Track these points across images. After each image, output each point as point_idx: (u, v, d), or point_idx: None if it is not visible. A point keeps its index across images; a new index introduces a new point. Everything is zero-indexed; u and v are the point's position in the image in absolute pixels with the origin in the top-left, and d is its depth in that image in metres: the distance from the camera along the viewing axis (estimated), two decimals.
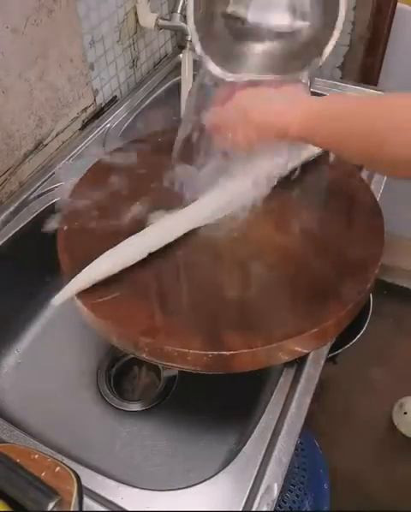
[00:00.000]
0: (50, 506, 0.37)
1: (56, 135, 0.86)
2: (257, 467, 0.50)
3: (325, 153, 0.71)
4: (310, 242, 0.61)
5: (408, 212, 1.41)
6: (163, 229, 0.60)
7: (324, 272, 0.58)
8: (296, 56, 0.58)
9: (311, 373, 0.56)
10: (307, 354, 0.56)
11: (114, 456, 0.68)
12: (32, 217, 0.77)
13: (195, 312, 0.54)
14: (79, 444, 0.67)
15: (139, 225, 0.62)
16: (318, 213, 0.64)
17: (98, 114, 0.94)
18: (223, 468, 0.51)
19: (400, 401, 1.33)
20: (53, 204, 0.79)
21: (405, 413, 1.30)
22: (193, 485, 0.50)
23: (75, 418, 0.72)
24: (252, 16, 0.57)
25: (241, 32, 0.58)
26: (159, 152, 0.76)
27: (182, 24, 0.94)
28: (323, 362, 0.57)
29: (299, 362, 0.56)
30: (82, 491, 0.41)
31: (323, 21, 0.56)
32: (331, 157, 0.70)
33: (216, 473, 0.51)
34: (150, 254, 0.58)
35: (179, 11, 0.94)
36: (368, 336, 1.24)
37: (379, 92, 0.97)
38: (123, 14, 0.93)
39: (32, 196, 0.79)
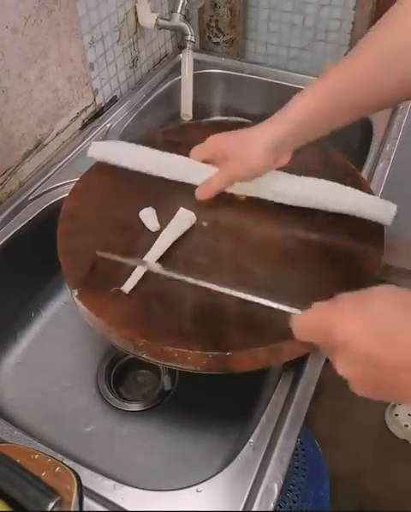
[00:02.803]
0: (50, 506, 0.37)
1: (56, 135, 0.86)
2: (257, 467, 0.50)
3: (323, 151, 0.71)
4: (310, 242, 0.61)
5: (408, 212, 1.41)
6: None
7: (324, 272, 0.58)
8: None
9: (311, 373, 0.56)
10: (307, 354, 0.56)
11: (114, 456, 0.68)
12: (32, 217, 0.77)
13: (195, 313, 0.54)
14: (79, 444, 0.67)
15: (140, 225, 0.62)
16: (317, 213, 0.64)
17: (98, 114, 0.94)
18: (223, 468, 0.51)
19: (393, 409, 1.33)
20: (53, 204, 0.79)
21: (396, 414, 1.30)
22: (193, 485, 0.50)
23: (75, 418, 0.72)
24: None
25: None
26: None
27: (182, 24, 0.94)
28: (323, 362, 0.57)
29: (299, 362, 0.56)
30: (82, 491, 0.41)
31: None
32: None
33: (216, 473, 0.50)
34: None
35: (179, 11, 0.94)
36: None
37: None
38: (123, 14, 0.93)
39: (32, 196, 0.79)
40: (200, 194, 0.62)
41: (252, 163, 0.58)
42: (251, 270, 0.58)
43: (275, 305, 0.43)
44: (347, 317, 0.38)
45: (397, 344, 0.36)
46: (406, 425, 1.28)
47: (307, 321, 0.42)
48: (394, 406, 1.32)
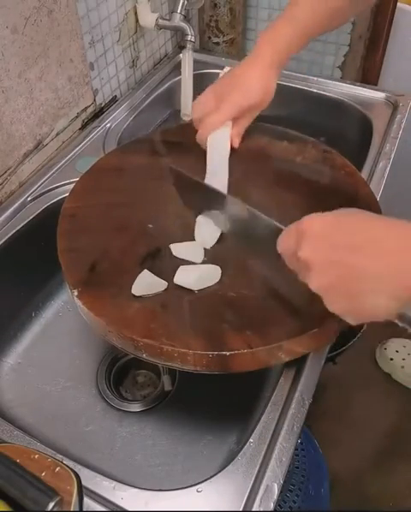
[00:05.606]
0: (50, 506, 0.37)
1: (56, 135, 0.86)
2: (257, 467, 0.50)
3: (323, 151, 0.71)
4: None
5: (408, 212, 1.41)
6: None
7: None
8: None
9: (311, 373, 0.56)
10: (307, 354, 0.56)
11: (114, 456, 0.68)
12: (32, 217, 0.77)
13: (195, 312, 0.54)
14: (79, 444, 0.68)
15: (140, 225, 0.62)
16: (318, 213, 0.64)
17: (98, 114, 0.94)
18: (223, 468, 0.51)
19: (384, 344, 1.39)
20: (53, 204, 0.79)
21: (385, 348, 1.38)
22: (193, 485, 0.50)
23: (75, 418, 0.72)
24: None
25: None
26: (159, 152, 0.76)
27: (182, 24, 0.94)
28: (323, 362, 0.57)
29: (299, 362, 0.56)
30: (82, 491, 0.41)
31: None
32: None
33: (216, 473, 0.50)
34: (148, 254, 0.58)
35: (179, 11, 0.94)
36: (368, 336, 1.25)
37: (379, 92, 0.97)
38: (123, 14, 0.93)
39: (32, 196, 0.79)
40: (201, 133, 0.66)
41: (253, 87, 0.63)
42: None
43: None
44: (313, 215, 0.45)
45: (350, 232, 0.42)
46: (391, 359, 1.35)
47: (286, 232, 0.47)
48: (385, 341, 1.39)
